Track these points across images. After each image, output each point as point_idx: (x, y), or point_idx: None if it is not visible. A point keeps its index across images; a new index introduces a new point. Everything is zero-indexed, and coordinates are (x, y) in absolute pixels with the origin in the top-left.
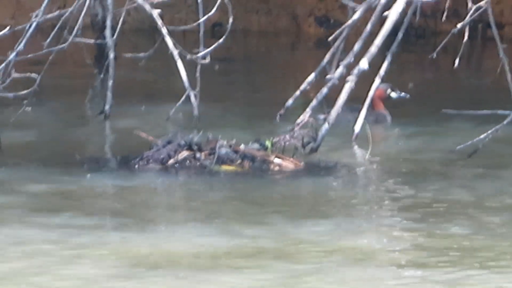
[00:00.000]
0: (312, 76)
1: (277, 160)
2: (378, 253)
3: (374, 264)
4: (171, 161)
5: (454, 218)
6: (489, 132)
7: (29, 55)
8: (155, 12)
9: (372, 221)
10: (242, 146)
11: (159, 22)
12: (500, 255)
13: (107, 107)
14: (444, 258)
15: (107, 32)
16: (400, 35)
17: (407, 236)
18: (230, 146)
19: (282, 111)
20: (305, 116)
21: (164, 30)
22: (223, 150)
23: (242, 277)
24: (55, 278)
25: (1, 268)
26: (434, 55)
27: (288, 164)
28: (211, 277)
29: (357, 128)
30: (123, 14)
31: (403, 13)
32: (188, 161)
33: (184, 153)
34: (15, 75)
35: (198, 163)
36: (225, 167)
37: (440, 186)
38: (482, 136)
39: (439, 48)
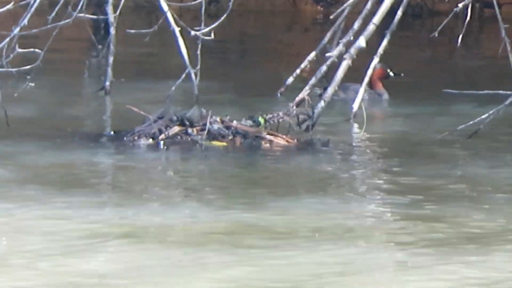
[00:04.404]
0: (312, 55)
1: (269, 137)
2: (370, 231)
3: (366, 242)
4: (161, 136)
5: (451, 199)
6: (490, 112)
7: (34, 30)
8: None
9: (364, 200)
10: (234, 122)
11: None
12: (495, 236)
13: (107, 83)
14: (438, 238)
15: (109, 8)
16: (399, 13)
17: (400, 215)
18: (222, 122)
19: (282, 89)
20: (303, 94)
21: (166, 7)
22: (215, 126)
23: (233, 255)
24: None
25: None
26: (436, 34)
27: (280, 141)
28: (202, 254)
29: (355, 106)
30: None
31: None
32: (179, 137)
33: (176, 129)
34: (19, 50)
35: (189, 139)
36: (215, 143)
37: (437, 166)
38: (483, 117)
39: (440, 27)
